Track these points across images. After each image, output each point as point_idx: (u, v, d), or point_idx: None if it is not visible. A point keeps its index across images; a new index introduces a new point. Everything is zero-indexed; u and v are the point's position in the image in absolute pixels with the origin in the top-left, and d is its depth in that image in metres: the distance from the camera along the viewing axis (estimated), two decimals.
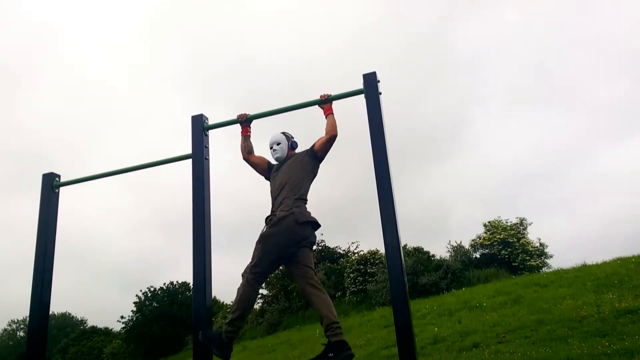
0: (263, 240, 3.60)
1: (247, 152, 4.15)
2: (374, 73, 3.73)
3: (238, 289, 3.56)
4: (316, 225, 3.75)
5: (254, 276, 3.53)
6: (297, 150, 4.14)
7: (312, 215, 3.75)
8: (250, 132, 4.17)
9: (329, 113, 3.93)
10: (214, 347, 3.51)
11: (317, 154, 3.93)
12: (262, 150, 4.21)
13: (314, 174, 3.97)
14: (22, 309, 53.85)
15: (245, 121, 4.15)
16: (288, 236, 3.56)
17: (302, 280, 3.60)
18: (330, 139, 3.89)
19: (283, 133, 4.12)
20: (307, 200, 3.83)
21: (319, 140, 3.95)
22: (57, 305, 39.37)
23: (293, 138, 4.16)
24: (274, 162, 4.15)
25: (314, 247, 3.98)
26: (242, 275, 3.59)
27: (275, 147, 4.03)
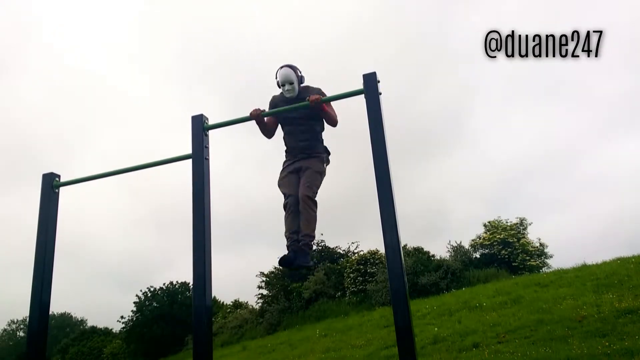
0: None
1: (270, 134, 4.41)
2: (374, 73, 3.72)
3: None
4: None
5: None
6: (302, 84, 4.30)
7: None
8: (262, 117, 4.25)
9: (324, 110, 4.11)
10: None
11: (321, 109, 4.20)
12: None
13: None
14: (22, 309, 53.88)
15: (258, 117, 4.18)
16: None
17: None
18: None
19: (291, 68, 4.20)
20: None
21: (324, 111, 4.13)
22: (57, 305, 39.41)
23: (301, 72, 4.27)
24: (280, 96, 4.36)
25: None
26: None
27: (287, 86, 4.20)
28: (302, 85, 4.27)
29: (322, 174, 4.32)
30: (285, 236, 4.19)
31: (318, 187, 4.25)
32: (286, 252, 4.14)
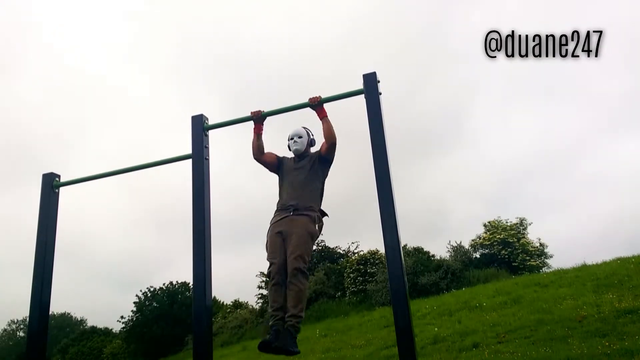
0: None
1: (260, 153, 4.16)
2: (374, 73, 3.73)
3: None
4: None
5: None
6: (312, 149, 4.29)
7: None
8: (263, 129, 4.13)
9: (323, 116, 3.98)
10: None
11: (327, 158, 4.11)
12: (272, 143, 4.32)
13: (324, 176, 4.16)
14: (22, 309, 53.84)
15: (259, 118, 4.07)
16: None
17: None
18: (331, 147, 4.04)
19: (304, 128, 4.27)
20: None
21: (322, 146, 4.11)
22: (57, 305, 39.38)
23: (313, 136, 4.29)
24: (287, 154, 4.31)
25: None
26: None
27: (296, 139, 4.18)
28: (312, 147, 4.27)
29: (313, 236, 3.89)
30: (269, 313, 3.78)
31: (309, 255, 3.86)
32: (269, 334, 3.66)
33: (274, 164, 4.23)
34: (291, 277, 3.69)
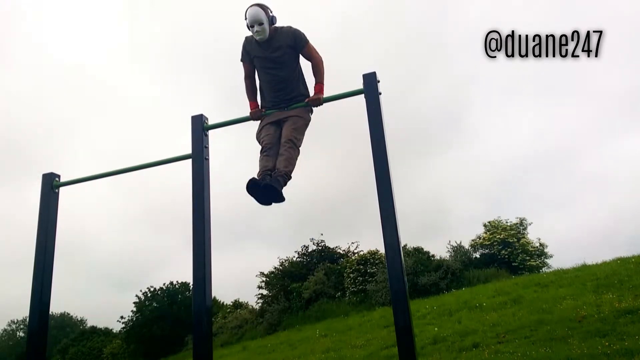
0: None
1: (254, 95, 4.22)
2: (374, 73, 3.73)
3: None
4: None
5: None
6: (274, 25, 3.98)
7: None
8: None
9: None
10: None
11: (304, 56, 4.07)
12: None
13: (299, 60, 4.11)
14: (22, 309, 53.80)
15: (258, 118, 4.16)
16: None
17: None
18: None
19: (260, 6, 3.89)
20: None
21: (311, 53, 4.05)
22: (57, 305, 39.33)
23: (272, 13, 3.95)
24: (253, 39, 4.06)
25: None
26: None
27: (257, 27, 3.87)
28: (273, 26, 3.93)
29: (306, 123, 4.05)
30: (258, 174, 3.82)
31: (302, 135, 3.99)
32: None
33: (250, 71, 4.20)
34: (285, 147, 3.84)
